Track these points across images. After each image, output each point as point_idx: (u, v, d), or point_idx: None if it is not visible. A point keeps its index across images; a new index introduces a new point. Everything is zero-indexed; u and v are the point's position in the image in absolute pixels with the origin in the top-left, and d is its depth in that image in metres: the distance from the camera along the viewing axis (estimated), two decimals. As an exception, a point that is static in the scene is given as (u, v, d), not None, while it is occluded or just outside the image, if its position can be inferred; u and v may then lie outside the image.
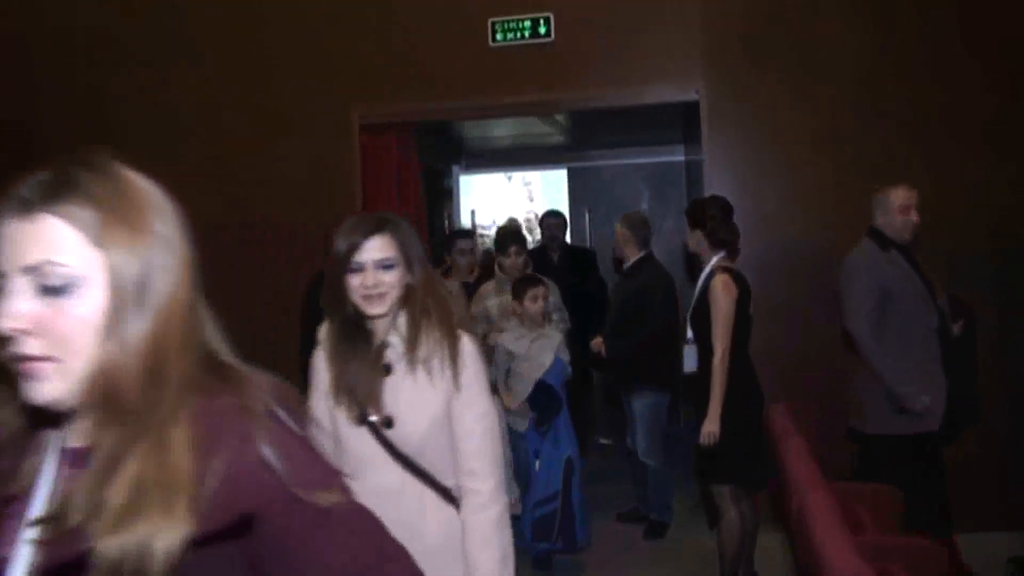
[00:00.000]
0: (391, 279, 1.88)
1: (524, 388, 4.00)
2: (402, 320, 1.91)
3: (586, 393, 5.73)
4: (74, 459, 0.91)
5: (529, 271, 4.46)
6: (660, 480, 4.60)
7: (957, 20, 4.30)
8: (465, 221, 7.52)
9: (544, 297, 4.08)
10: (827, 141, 4.41)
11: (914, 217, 3.63)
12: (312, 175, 4.86)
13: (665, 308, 4.52)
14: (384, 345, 1.92)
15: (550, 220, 5.82)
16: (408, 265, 1.91)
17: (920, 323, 3.58)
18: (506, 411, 4.04)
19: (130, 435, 0.85)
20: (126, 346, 0.86)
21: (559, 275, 4.96)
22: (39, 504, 0.90)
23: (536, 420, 4.02)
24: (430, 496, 1.90)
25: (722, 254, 3.63)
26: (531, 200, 9.36)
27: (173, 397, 0.87)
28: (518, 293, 4.11)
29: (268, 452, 0.90)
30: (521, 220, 7.55)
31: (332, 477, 0.99)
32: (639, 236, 4.55)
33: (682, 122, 5.46)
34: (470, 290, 4.56)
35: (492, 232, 7.20)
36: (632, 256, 4.57)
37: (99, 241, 0.86)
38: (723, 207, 3.64)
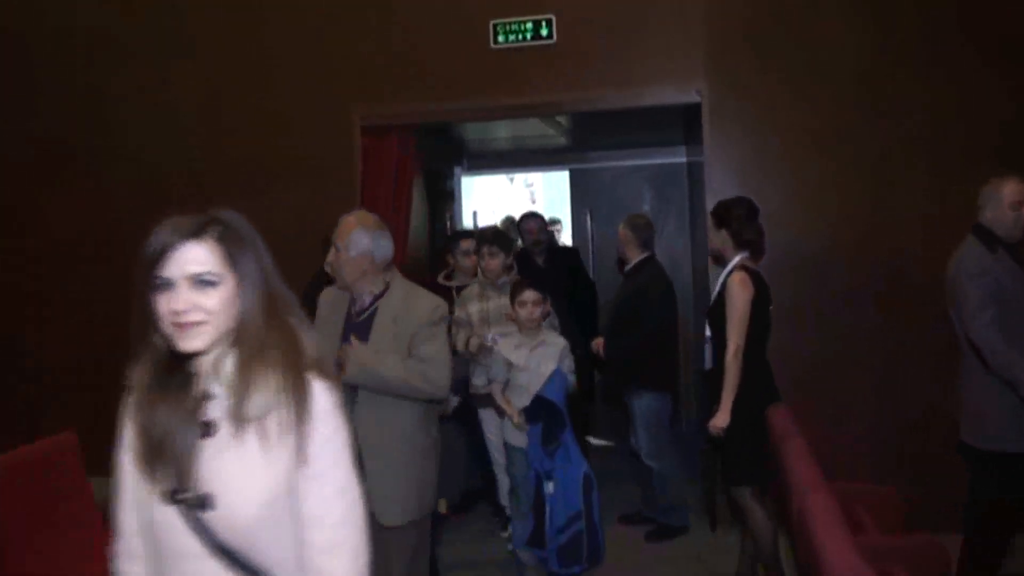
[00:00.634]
0: (212, 303, 1.40)
1: (523, 400, 3.77)
2: (230, 362, 1.44)
3: (586, 396, 5.67)
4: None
5: (514, 275, 4.32)
6: (664, 482, 4.59)
7: (958, 19, 4.29)
8: (467, 223, 7.51)
9: (535, 303, 3.79)
10: (828, 141, 4.40)
11: None
12: (312, 175, 4.86)
13: (663, 309, 4.52)
14: (205, 396, 1.44)
15: (529, 224, 5.39)
16: (240, 283, 1.43)
17: None
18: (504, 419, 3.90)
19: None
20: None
21: (545, 278, 4.64)
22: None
23: (543, 439, 3.72)
24: None
25: (745, 254, 3.63)
26: (533, 201, 9.36)
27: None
28: (511, 299, 3.90)
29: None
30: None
31: None
32: (641, 238, 4.58)
33: (684, 123, 5.45)
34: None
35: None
36: (634, 257, 4.60)
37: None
38: (749, 207, 3.65)
